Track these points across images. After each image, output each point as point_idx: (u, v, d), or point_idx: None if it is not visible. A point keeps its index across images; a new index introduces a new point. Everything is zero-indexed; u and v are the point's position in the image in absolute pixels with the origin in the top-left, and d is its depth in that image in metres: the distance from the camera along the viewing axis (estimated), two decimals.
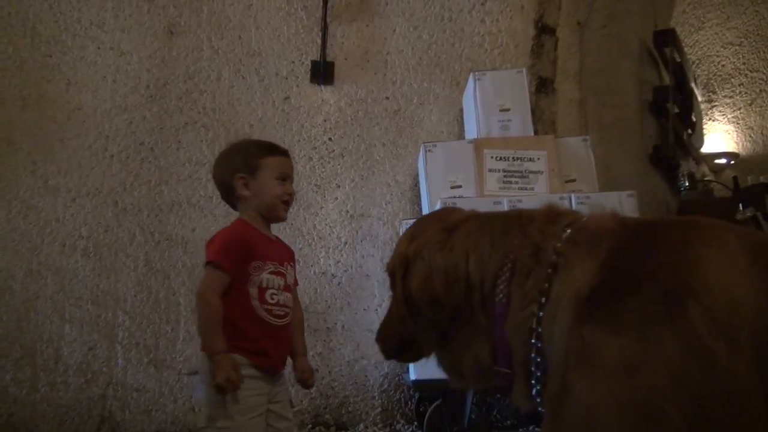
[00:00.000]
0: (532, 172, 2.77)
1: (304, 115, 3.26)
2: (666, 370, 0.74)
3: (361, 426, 2.86)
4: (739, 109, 4.77)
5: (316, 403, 2.89)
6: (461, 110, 3.29)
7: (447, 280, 1.03)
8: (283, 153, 1.61)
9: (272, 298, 1.50)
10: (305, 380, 1.57)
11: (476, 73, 2.98)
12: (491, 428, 2.82)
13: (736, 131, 4.75)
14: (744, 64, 4.79)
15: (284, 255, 1.61)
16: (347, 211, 3.18)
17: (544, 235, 0.97)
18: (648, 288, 0.79)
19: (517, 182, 2.75)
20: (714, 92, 4.70)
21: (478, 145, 2.83)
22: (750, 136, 4.72)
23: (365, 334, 3.02)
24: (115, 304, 2.97)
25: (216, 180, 1.63)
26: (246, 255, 1.48)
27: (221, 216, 3.11)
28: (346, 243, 3.13)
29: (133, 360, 2.92)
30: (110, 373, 2.90)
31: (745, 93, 4.77)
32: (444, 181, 2.75)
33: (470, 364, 1.06)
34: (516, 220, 1.04)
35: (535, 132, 3.12)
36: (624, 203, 2.56)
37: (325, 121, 3.27)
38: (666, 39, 3.75)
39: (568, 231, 0.95)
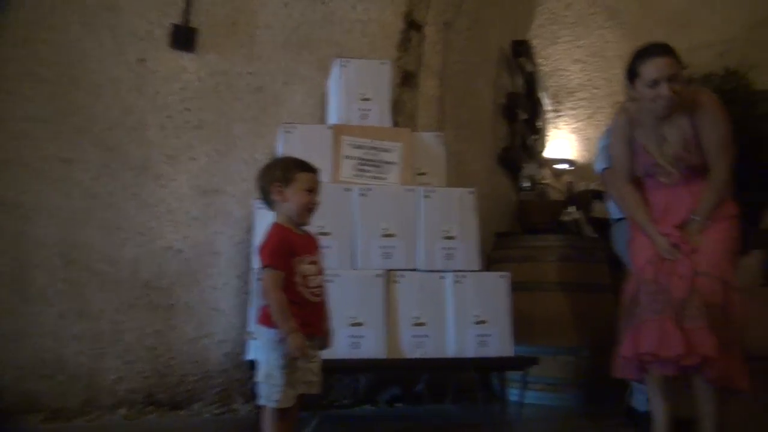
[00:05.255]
0: (386, 162, 2.87)
1: (160, 80, 3.09)
2: None
3: (197, 405, 2.81)
4: (581, 120, 5.27)
5: (150, 381, 2.80)
6: (326, 94, 3.30)
7: None
8: (314, 170, 1.97)
9: (312, 282, 1.89)
10: (326, 341, 1.96)
11: (341, 59, 3.01)
12: (329, 407, 2.91)
13: (576, 140, 5.25)
14: (588, 80, 5.29)
15: (313, 246, 1.97)
16: (200, 186, 3.07)
17: None
18: None
19: (370, 171, 2.83)
20: (560, 103, 5.14)
21: (337, 131, 2.87)
22: (587, 146, 5.24)
23: (209, 312, 2.97)
24: None
25: (258, 187, 1.98)
26: (289, 253, 1.86)
27: (58, 180, 2.88)
28: (195, 218, 3.04)
29: None
30: None
31: (587, 107, 5.28)
32: None
33: None
34: None
35: (395, 124, 3.22)
36: (464, 200, 2.74)
37: (182, 89, 3.12)
38: (522, 49, 4.05)
39: None
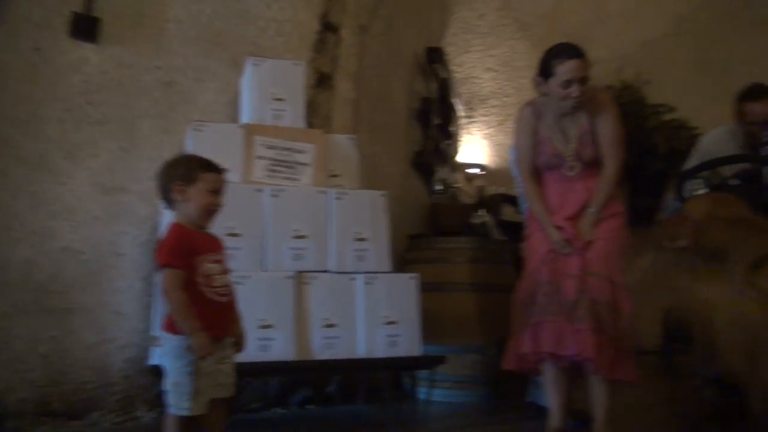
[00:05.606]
0: (299, 163, 2.85)
1: (58, 71, 2.90)
2: None
3: (96, 414, 2.67)
4: (492, 127, 5.48)
5: (44, 391, 2.62)
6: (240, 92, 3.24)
7: None
8: (220, 171, 1.90)
9: (216, 282, 1.83)
10: (238, 343, 1.93)
11: (254, 58, 2.96)
12: (238, 411, 2.86)
13: (488, 146, 5.45)
14: (500, 89, 5.52)
15: (217, 245, 1.91)
16: (102, 184, 2.92)
17: None
18: None
19: (283, 172, 2.81)
20: (473, 110, 5.32)
21: (249, 130, 2.83)
22: (498, 152, 5.46)
23: (111, 317, 2.83)
24: None
25: (158, 184, 1.89)
26: (189, 251, 1.80)
27: None
28: (97, 218, 2.88)
29: None
30: None
31: (498, 114, 5.50)
32: None
33: None
34: None
35: (310, 125, 3.21)
36: (376, 202, 2.78)
37: (84, 82, 2.95)
38: (436, 56, 4.15)
39: None
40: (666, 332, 4.72)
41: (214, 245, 1.89)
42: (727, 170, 2.68)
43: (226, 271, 1.88)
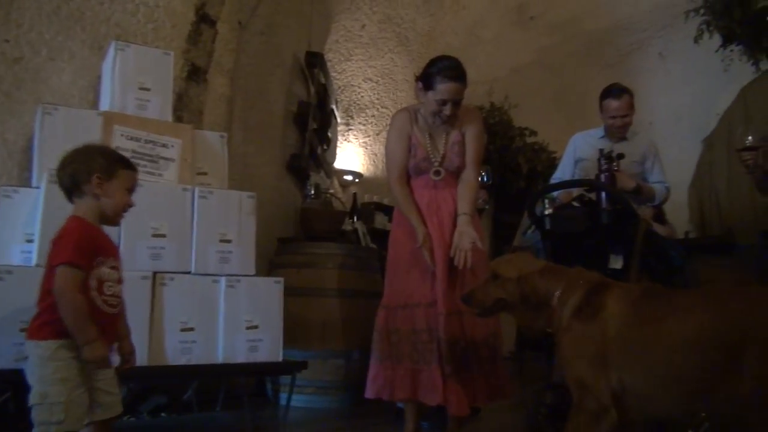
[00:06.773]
0: (163, 158, 2.70)
1: None
2: None
3: None
4: (369, 136, 5.57)
5: None
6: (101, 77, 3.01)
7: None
8: (136, 169, 1.85)
9: (108, 290, 1.70)
10: (127, 359, 1.80)
11: (118, 42, 2.77)
12: None
13: (364, 154, 5.53)
14: (378, 99, 5.63)
15: (116, 251, 1.79)
16: None
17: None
18: None
19: (145, 166, 2.64)
20: (352, 117, 5.38)
21: (109, 118, 2.63)
22: (373, 161, 5.56)
23: None
24: None
25: (67, 171, 1.74)
26: (93, 251, 1.67)
27: None
28: None
29: None
30: None
31: (375, 124, 5.61)
32: (59, 151, 2.44)
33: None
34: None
35: (179, 119, 3.06)
36: (244, 203, 2.70)
37: None
38: (316, 60, 4.14)
39: None
40: (519, 340, 5.07)
41: (113, 250, 1.79)
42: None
43: (120, 281, 1.78)
